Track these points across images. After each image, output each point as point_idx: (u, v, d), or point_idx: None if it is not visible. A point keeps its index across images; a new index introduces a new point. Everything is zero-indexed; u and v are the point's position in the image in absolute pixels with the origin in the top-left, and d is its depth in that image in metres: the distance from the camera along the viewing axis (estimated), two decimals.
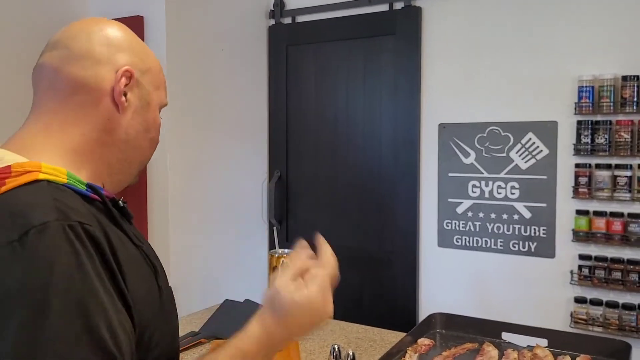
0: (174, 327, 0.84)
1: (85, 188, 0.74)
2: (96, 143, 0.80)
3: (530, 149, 2.48)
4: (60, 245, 0.64)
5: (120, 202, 0.81)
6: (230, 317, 1.87)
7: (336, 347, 1.45)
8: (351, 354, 1.41)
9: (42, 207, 0.66)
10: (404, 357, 1.33)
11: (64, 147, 0.78)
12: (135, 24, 2.44)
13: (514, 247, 2.53)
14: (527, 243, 2.50)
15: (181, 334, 1.75)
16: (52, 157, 0.75)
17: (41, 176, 0.70)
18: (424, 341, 1.41)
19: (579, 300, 2.34)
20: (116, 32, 0.83)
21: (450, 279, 2.68)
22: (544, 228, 2.46)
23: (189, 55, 2.57)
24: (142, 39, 2.46)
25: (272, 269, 1.88)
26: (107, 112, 0.80)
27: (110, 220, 0.75)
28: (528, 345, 1.39)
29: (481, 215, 2.61)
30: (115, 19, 0.88)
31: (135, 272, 0.74)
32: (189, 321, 1.89)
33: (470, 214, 2.64)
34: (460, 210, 2.66)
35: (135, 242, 0.79)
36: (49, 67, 0.81)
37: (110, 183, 0.83)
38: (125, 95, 0.81)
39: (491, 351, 1.35)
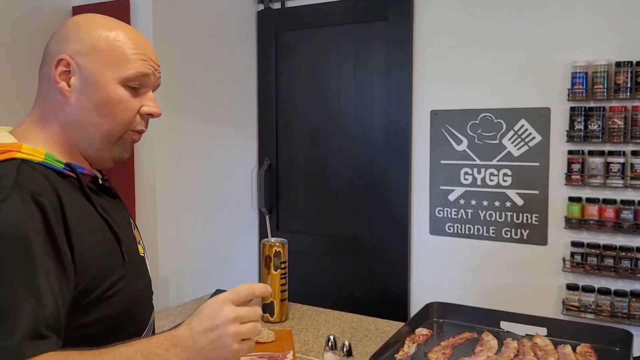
0: (138, 288, 0.98)
1: (63, 166, 0.91)
2: (61, 127, 0.95)
3: (522, 136, 2.47)
4: (12, 206, 0.80)
5: (100, 180, 1.00)
6: None
7: (332, 337, 1.42)
8: (347, 344, 1.39)
9: (5, 177, 0.82)
10: (402, 347, 1.31)
11: (45, 135, 0.94)
12: (121, 8, 2.37)
13: (506, 234, 2.52)
14: (519, 230, 2.49)
15: (172, 325, 1.71)
16: (38, 142, 0.92)
17: (19, 155, 0.86)
18: (421, 331, 1.39)
19: (571, 287, 2.34)
20: (69, 23, 0.96)
21: (442, 266, 2.67)
22: (536, 215, 2.45)
23: (176, 40, 2.51)
24: (128, 23, 2.41)
25: (265, 258, 1.85)
26: (58, 99, 0.94)
27: (82, 194, 0.92)
28: (527, 335, 1.38)
29: (473, 202, 2.59)
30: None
31: (91, 237, 0.89)
32: (180, 312, 1.86)
33: (462, 201, 2.62)
34: (452, 197, 2.64)
35: (102, 214, 0.94)
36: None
37: (90, 159, 0.98)
38: (68, 81, 0.93)
39: (490, 341, 1.34)
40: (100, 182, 0.99)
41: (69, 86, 0.93)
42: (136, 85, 0.97)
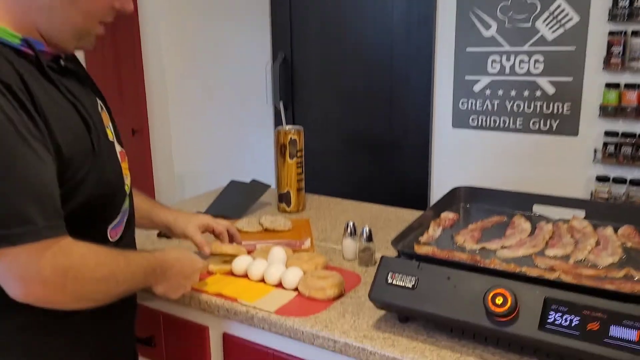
0: (108, 175, 0.93)
1: (20, 42, 0.83)
2: (30, 9, 0.85)
3: (558, 17, 2.26)
4: None
5: (61, 60, 0.91)
6: (236, 196, 1.77)
7: (351, 223, 1.34)
8: (367, 230, 1.30)
9: None
10: (427, 231, 1.22)
11: (14, 10, 0.84)
12: None
13: (534, 125, 2.38)
14: (548, 121, 2.35)
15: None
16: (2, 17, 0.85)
17: None
18: (447, 215, 1.29)
19: (601, 178, 2.23)
20: None
21: (465, 160, 2.56)
22: (568, 104, 2.30)
23: None
24: None
25: (280, 146, 1.75)
26: None
27: (42, 75, 0.84)
28: (561, 219, 1.28)
29: (500, 93, 2.44)
30: None
31: (60, 121, 0.83)
32: (196, 202, 1.80)
33: (488, 92, 2.46)
34: (477, 88, 2.49)
35: (69, 98, 0.87)
36: None
37: (49, 43, 0.88)
38: None
39: (523, 224, 1.24)
40: (63, 64, 0.91)
41: None
42: None
